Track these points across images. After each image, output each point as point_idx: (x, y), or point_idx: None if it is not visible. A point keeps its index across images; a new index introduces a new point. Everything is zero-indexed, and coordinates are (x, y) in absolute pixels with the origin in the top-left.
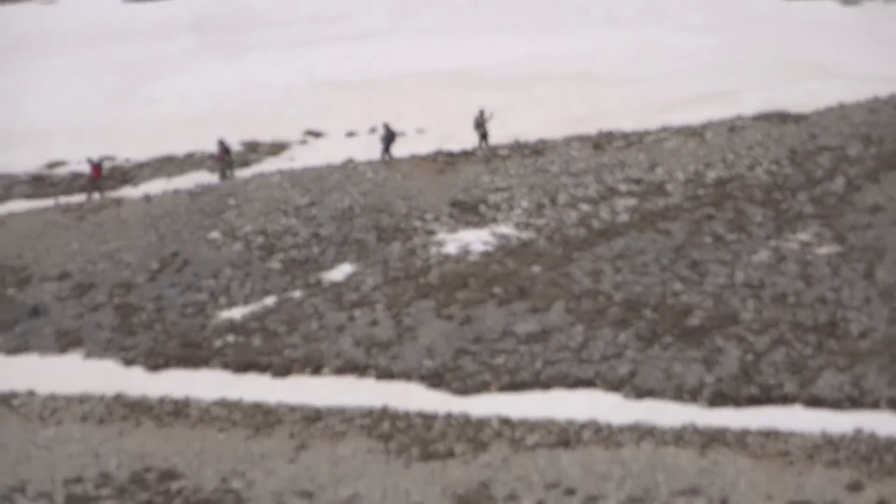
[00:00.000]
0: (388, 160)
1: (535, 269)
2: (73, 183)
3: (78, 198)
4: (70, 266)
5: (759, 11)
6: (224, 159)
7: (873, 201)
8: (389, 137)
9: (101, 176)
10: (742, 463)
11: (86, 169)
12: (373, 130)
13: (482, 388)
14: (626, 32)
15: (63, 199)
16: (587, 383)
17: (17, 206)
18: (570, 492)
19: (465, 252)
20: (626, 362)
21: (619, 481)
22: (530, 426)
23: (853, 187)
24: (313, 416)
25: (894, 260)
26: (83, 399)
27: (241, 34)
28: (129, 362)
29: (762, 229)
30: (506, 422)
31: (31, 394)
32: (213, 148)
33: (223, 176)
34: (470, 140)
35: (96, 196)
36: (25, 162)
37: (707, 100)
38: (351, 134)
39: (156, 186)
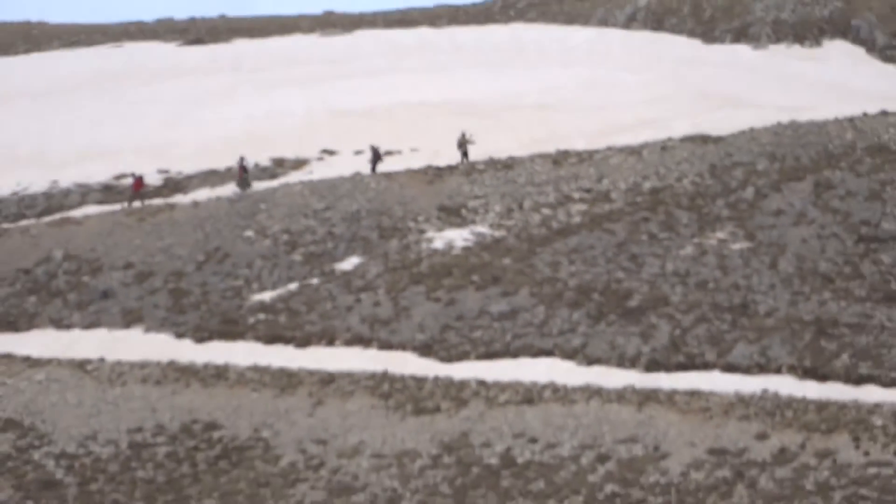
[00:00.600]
0: (375, 175)
1: (506, 261)
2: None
3: (137, 203)
4: (133, 258)
5: (685, 54)
6: (242, 175)
7: (777, 206)
8: (376, 157)
9: (142, 188)
10: (671, 417)
11: (130, 181)
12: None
13: (463, 356)
14: (577, 71)
15: (128, 205)
16: (547, 353)
17: (92, 209)
18: (533, 440)
19: (449, 247)
20: (578, 336)
21: (573, 431)
22: (501, 387)
23: (761, 195)
24: (327, 379)
25: (794, 253)
26: (143, 365)
27: (270, 72)
28: (179, 335)
29: (688, 229)
30: (482, 383)
31: (101, 360)
32: (247, 163)
33: (241, 187)
34: (454, 157)
35: (137, 204)
36: (98, 174)
37: (644, 125)
38: (358, 152)
39: (202, 194)
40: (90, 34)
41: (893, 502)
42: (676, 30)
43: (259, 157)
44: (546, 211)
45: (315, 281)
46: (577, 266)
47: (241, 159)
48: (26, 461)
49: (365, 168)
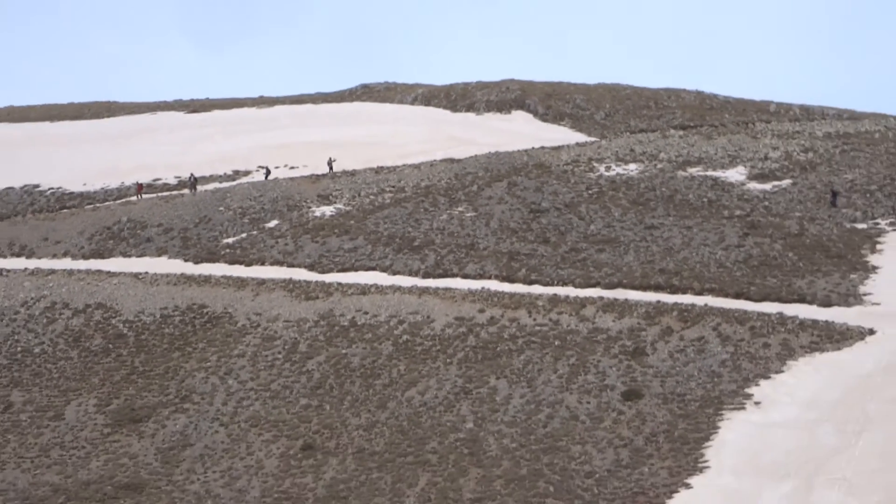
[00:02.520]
0: (268, 181)
1: (352, 222)
2: (164, 188)
3: (164, 194)
4: (162, 221)
5: (441, 118)
6: (193, 182)
7: (489, 194)
8: (267, 172)
9: (142, 189)
10: (436, 301)
11: (134, 185)
12: (285, 166)
13: (330, 270)
14: (388, 126)
15: (160, 194)
16: (372, 269)
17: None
18: (366, 313)
19: (323, 215)
20: (388, 260)
21: (386, 309)
22: (350, 286)
23: (480, 188)
24: (261, 282)
25: (498, 218)
26: (167, 275)
27: (231, 127)
28: (186, 260)
29: (443, 206)
30: (340, 284)
31: (146, 273)
32: (219, 174)
33: (192, 190)
34: (325, 170)
35: (139, 198)
36: (144, 178)
37: (421, 154)
38: (276, 167)
39: (198, 188)
40: (139, 107)
41: (550, 343)
42: (438, 105)
43: (226, 169)
44: (372, 197)
45: (255, 233)
46: (388, 225)
47: (192, 174)
48: (108, 324)
49: (281, 175)
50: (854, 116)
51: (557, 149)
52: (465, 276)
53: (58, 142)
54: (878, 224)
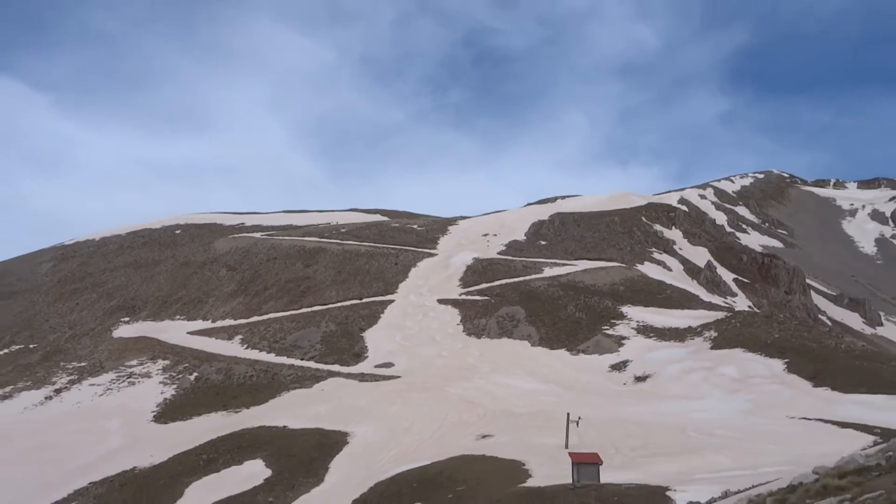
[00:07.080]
0: (335, 225)
1: (351, 234)
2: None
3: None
4: (319, 232)
5: (368, 215)
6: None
7: (376, 230)
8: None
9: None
10: (367, 246)
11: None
12: (338, 223)
13: (349, 240)
14: (356, 218)
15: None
16: (353, 240)
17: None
18: (353, 249)
19: (345, 231)
20: (358, 240)
21: (357, 249)
22: (353, 245)
23: (372, 231)
24: (335, 242)
25: (375, 235)
26: (315, 241)
27: (335, 215)
28: (317, 237)
29: (369, 232)
30: (351, 244)
31: (311, 240)
32: (325, 223)
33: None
34: (338, 225)
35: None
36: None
37: (359, 220)
38: (334, 223)
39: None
40: (314, 210)
41: (387, 255)
42: (364, 212)
43: (327, 222)
44: (352, 230)
45: (333, 232)
46: (359, 234)
47: (314, 223)
48: (300, 248)
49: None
50: (447, 219)
51: (393, 223)
52: (372, 243)
53: (296, 216)
54: (437, 237)
